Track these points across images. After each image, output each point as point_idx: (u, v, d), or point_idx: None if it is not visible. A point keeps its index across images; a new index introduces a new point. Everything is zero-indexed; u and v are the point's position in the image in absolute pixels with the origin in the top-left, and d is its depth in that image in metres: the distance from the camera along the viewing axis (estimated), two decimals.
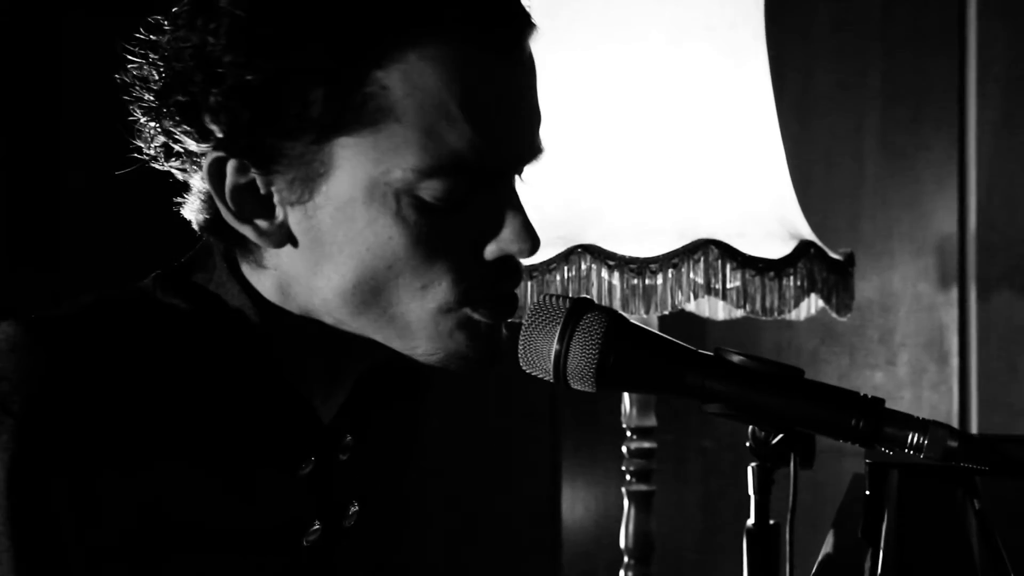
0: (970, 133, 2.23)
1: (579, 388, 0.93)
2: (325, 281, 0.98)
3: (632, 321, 0.94)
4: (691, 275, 1.59)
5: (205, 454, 0.97)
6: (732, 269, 1.60)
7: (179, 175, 1.01)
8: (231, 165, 0.96)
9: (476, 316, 0.99)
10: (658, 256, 1.60)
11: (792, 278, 1.63)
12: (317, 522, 1.04)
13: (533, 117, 1.02)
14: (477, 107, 0.96)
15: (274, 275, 1.00)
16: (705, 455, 2.46)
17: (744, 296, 1.61)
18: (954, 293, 2.24)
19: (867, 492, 1.22)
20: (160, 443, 0.94)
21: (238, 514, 0.99)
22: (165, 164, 1.00)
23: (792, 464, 0.91)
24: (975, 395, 2.24)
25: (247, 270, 1.01)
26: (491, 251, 0.99)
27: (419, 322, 0.98)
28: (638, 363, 0.92)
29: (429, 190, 0.95)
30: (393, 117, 0.94)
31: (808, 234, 1.72)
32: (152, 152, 1.00)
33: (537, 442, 2.67)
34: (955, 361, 2.25)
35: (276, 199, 0.97)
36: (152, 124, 0.99)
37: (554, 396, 2.65)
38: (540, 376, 0.95)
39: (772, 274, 1.62)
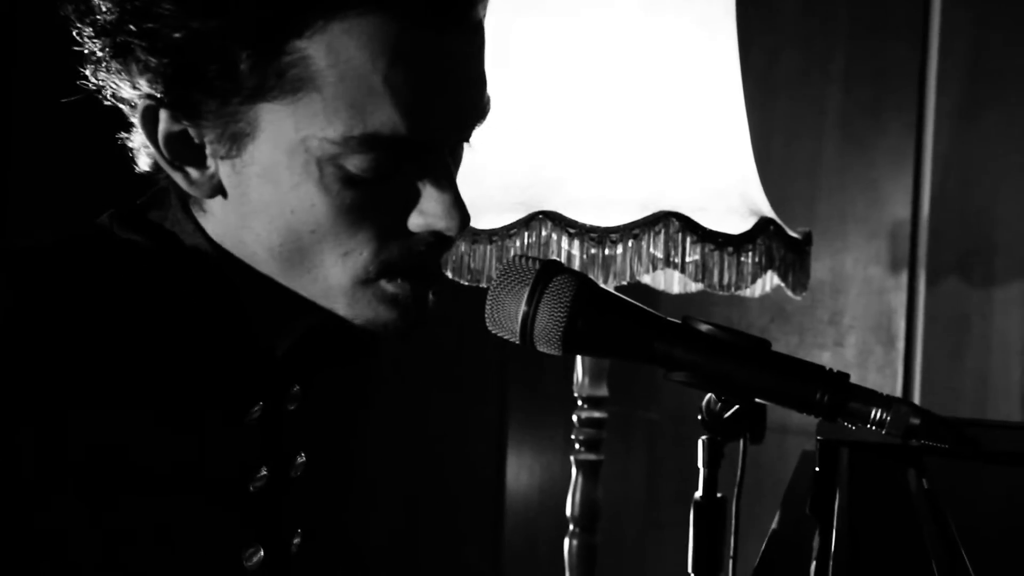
0: (928, 120, 2.25)
1: (545, 351, 0.93)
2: (253, 236, 0.99)
3: (601, 286, 0.94)
4: (651, 247, 1.59)
5: (160, 392, 0.97)
6: (692, 243, 1.60)
7: (126, 111, 1.01)
8: (163, 113, 0.97)
9: (393, 288, 0.99)
10: (619, 226, 1.60)
11: (751, 254, 1.64)
12: (264, 468, 1.05)
13: (472, 88, 1.00)
14: (402, 83, 0.94)
15: (215, 220, 1.01)
16: (651, 427, 2.47)
17: (703, 270, 1.61)
18: (904, 278, 2.27)
19: (817, 469, 1.22)
20: (119, 379, 0.95)
21: (187, 456, 0.99)
22: (112, 100, 1.00)
23: (743, 439, 0.92)
24: (918, 378, 2.26)
25: (196, 212, 1.02)
26: (417, 225, 0.98)
27: (339, 287, 0.99)
28: (606, 328, 0.92)
29: (352, 162, 0.95)
30: (314, 87, 0.93)
31: (768, 211, 1.73)
32: (97, 84, 1.00)
33: (484, 410, 2.67)
34: (901, 344, 2.27)
35: (208, 150, 0.98)
36: (93, 60, 0.98)
37: (502, 365, 2.65)
38: (506, 337, 0.94)
39: (731, 249, 1.62)
